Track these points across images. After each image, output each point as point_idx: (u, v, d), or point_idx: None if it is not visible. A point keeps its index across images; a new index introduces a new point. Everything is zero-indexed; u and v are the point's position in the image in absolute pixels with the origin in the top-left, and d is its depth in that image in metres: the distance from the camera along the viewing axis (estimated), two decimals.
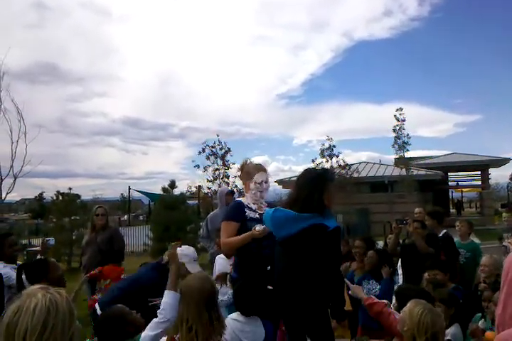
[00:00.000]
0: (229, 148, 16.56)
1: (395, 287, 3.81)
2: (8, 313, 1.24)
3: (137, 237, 16.52)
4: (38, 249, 6.00)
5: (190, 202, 16.16)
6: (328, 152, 19.50)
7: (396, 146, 20.80)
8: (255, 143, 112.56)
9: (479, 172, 28.18)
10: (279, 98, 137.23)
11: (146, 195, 21.45)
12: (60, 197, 14.17)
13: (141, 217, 37.13)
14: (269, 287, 2.96)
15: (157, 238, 12.92)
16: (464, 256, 5.25)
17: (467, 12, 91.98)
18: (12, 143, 11.28)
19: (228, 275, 3.49)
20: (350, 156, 46.29)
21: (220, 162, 16.40)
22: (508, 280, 1.77)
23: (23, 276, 3.12)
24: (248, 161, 3.57)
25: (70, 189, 14.28)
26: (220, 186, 15.61)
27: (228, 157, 16.63)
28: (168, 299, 2.31)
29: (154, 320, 2.25)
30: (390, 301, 3.15)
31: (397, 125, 20.54)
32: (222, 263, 3.96)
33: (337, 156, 19.64)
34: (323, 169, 4.45)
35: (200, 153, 16.67)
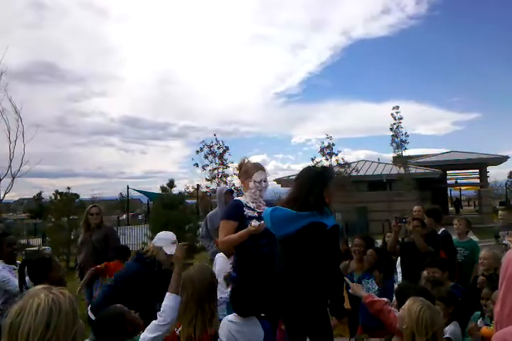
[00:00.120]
0: (227, 147, 16.58)
1: (395, 285, 3.81)
2: (11, 314, 1.25)
3: (136, 236, 16.51)
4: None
5: (188, 201, 16.17)
6: (328, 150, 19.55)
7: (394, 145, 20.87)
8: (254, 141, 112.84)
9: (477, 171, 28.21)
10: (278, 97, 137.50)
11: (145, 194, 21.43)
12: (59, 197, 14.14)
13: (140, 216, 37.14)
14: (268, 287, 2.95)
15: None
16: (462, 254, 5.26)
17: (465, 10, 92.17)
18: (10, 142, 11.28)
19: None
20: (348, 155, 46.42)
21: (218, 161, 16.41)
22: (507, 277, 1.77)
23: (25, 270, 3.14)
24: (246, 160, 3.57)
25: (68, 188, 14.27)
26: (218, 185, 15.62)
27: (226, 156, 16.66)
28: (169, 302, 2.29)
29: (154, 322, 2.24)
30: (390, 300, 3.15)
31: (394, 123, 20.61)
32: (222, 262, 3.95)
33: (336, 155, 19.70)
34: (323, 167, 4.45)
35: (198, 152, 16.69)
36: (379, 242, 6.17)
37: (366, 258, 4.19)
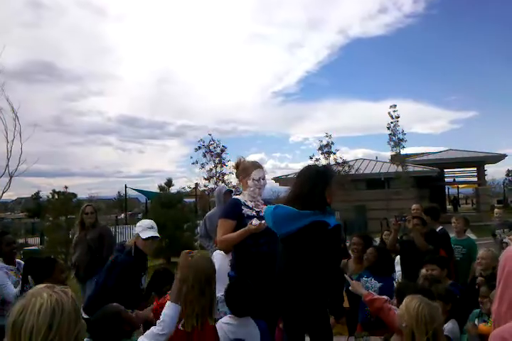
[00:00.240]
0: (224, 146, 16.58)
1: (394, 284, 3.82)
2: (13, 312, 1.25)
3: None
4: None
5: (186, 200, 16.16)
6: (326, 149, 19.58)
7: (392, 143, 20.91)
8: (252, 140, 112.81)
9: (475, 169, 28.29)
10: (275, 95, 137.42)
11: (143, 194, 21.39)
12: (56, 196, 14.11)
13: (137, 215, 37.06)
14: (267, 286, 2.95)
15: None
16: (460, 252, 5.27)
17: (462, 9, 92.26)
18: (7, 142, 11.24)
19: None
20: (346, 153, 46.47)
21: (216, 160, 16.42)
22: (505, 275, 1.77)
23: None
24: (242, 159, 3.58)
25: (66, 188, 14.23)
26: (216, 184, 15.61)
27: (224, 155, 16.66)
28: (169, 311, 2.25)
29: (153, 329, 2.21)
30: (390, 298, 3.15)
31: (392, 122, 20.65)
32: (220, 259, 3.94)
33: (334, 154, 19.73)
34: (324, 166, 4.46)
35: (196, 149, 16.69)
36: (377, 240, 6.19)
37: (366, 256, 4.18)
